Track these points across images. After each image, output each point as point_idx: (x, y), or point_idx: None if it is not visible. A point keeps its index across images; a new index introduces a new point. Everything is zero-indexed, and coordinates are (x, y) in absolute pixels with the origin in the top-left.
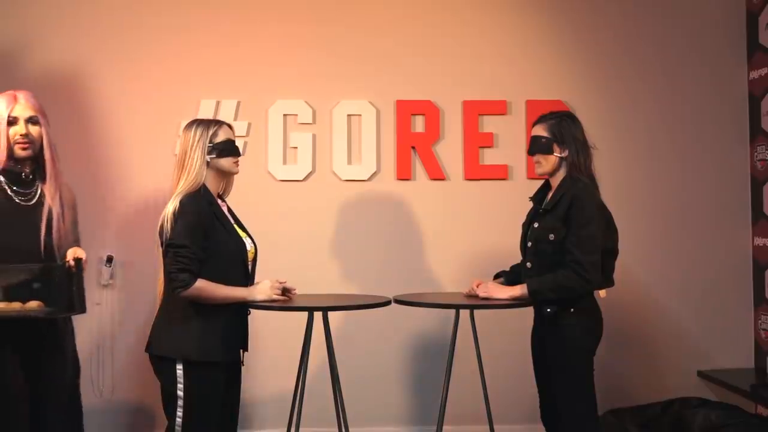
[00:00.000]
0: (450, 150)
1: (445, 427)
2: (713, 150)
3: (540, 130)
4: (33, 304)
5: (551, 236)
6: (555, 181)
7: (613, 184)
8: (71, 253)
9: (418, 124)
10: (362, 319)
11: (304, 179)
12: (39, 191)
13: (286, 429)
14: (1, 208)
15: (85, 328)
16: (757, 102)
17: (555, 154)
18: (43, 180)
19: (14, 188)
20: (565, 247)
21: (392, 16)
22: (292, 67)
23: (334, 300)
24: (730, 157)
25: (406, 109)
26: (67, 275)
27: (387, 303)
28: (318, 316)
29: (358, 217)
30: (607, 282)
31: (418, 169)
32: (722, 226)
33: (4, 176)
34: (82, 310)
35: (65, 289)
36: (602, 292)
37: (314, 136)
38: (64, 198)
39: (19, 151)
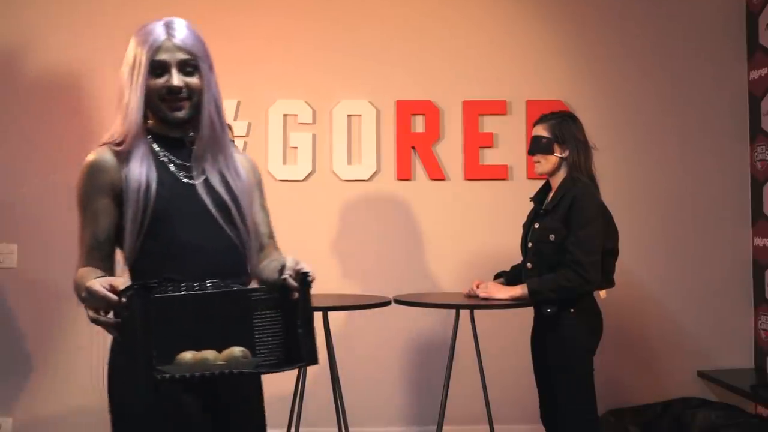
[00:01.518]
0: (450, 150)
1: (445, 427)
2: (713, 150)
3: (541, 130)
4: (236, 351)
5: (552, 237)
6: (555, 182)
7: (614, 185)
8: (290, 264)
9: (418, 124)
10: (362, 319)
11: (304, 179)
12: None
13: (286, 429)
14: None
15: (85, 328)
16: (757, 102)
17: (555, 154)
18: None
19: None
20: (566, 248)
21: (393, 16)
22: (292, 66)
23: (334, 300)
24: (730, 157)
25: (406, 109)
26: (288, 302)
27: (387, 303)
28: (318, 316)
29: (358, 217)
30: (608, 282)
31: (418, 169)
32: (722, 226)
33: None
34: (313, 359)
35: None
36: (602, 293)
37: (314, 136)
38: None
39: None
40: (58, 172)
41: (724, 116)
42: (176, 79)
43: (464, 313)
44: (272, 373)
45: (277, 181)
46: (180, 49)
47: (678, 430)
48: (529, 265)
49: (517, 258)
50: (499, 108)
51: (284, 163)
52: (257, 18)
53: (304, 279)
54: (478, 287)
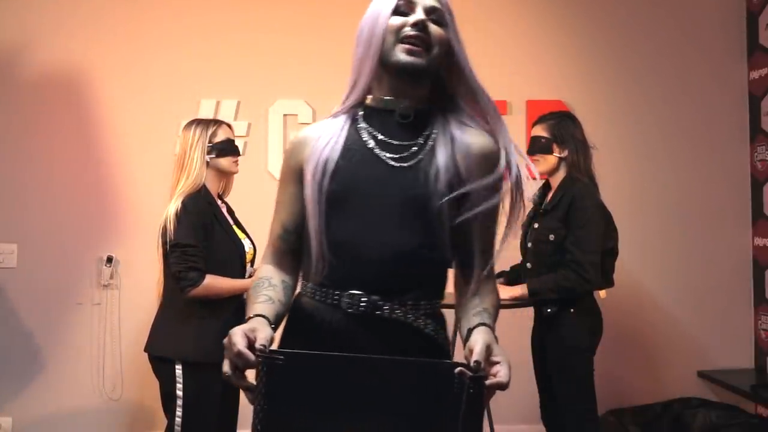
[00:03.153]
0: None
1: None
2: (713, 150)
3: (540, 130)
4: None
5: (551, 237)
6: (555, 182)
7: (613, 184)
8: (480, 351)
9: None
10: None
11: None
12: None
13: None
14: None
15: (85, 328)
16: (757, 102)
17: (554, 154)
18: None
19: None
20: (565, 247)
21: None
22: (292, 67)
23: None
24: (730, 157)
25: None
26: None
27: None
28: None
29: None
30: (607, 282)
31: None
32: (722, 226)
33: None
34: None
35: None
36: (602, 293)
37: None
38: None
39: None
40: (59, 172)
41: (724, 116)
42: (422, 16)
43: None
44: None
45: (277, 181)
46: None
47: (678, 430)
48: (528, 265)
49: (517, 258)
50: (499, 108)
51: None
52: (257, 18)
53: (478, 384)
54: None
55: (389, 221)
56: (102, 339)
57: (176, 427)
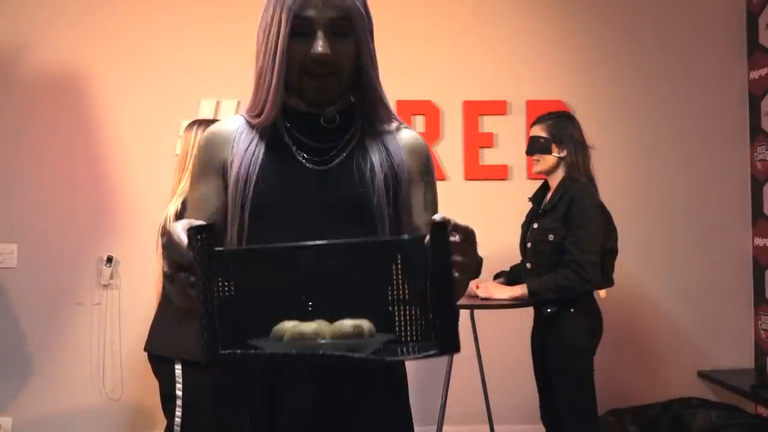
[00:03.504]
0: (450, 150)
1: (445, 427)
2: (713, 150)
3: (538, 131)
4: (364, 325)
5: (551, 237)
6: (554, 182)
7: (613, 184)
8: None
9: (419, 124)
10: None
11: None
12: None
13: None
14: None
15: (85, 328)
16: (757, 102)
17: (553, 153)
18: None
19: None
20: (564, 247)
21: (392, 16)
22: None
23: None
24: (730, 157)
25: (406, 109)
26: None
27: None
28: None
29: None
30: (607, 282)
31: None
32: (722, 226)
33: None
34: (454, 345)
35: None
36: (602, 293)
37: None
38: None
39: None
40: (58, 172)
41: (724, 116)
42: (322, 44)
43: (464, 313)
44: (398, 360)
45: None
46: (330, 5)
47: (678, 430)
48: (528, 265)
49: (517, 258)
50: (499, 108)
51: None
52: (257, 17)
53: (444, 228)
54: (478, 287)
55: (326, 228)
56: (102, 339)
57: (176, 427)
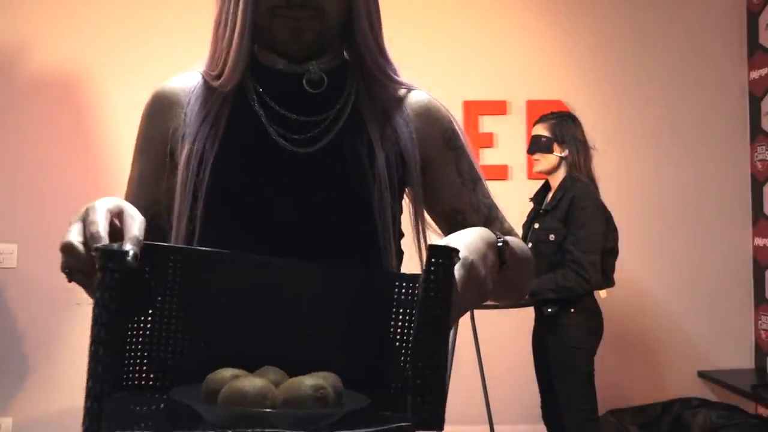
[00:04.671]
0: None
1: (445, 427)
2: (713, 150)
3: (540, 130)
4: (328, 386)
5: (551, 237)
6: (555, 181)
7: (613, 184)
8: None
9: None
10: None
11: None
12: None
13: None
14: None
15: (85, 329)
16: (757, 102)
17: (555, 153)
18: None
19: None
20: (565, 247)
21: (391, 16)
22: None
23: None
24: (730, 157)
25: None
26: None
27: None
28: None
29: None
30: (607, 282)
31: None
32: (722, 226)
33: None
34: (436, 422)
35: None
36: (603, 293)
37: None
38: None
39: None
40: (58, 172)
41: (724, 116)
42: None
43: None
44: None
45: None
46: None
47: (678, 430)
48: None
49: None
50: (499, 108)
51: None
52: None
53: (447, 259)
54: None
55: (305, 233)
56: None
57: None
